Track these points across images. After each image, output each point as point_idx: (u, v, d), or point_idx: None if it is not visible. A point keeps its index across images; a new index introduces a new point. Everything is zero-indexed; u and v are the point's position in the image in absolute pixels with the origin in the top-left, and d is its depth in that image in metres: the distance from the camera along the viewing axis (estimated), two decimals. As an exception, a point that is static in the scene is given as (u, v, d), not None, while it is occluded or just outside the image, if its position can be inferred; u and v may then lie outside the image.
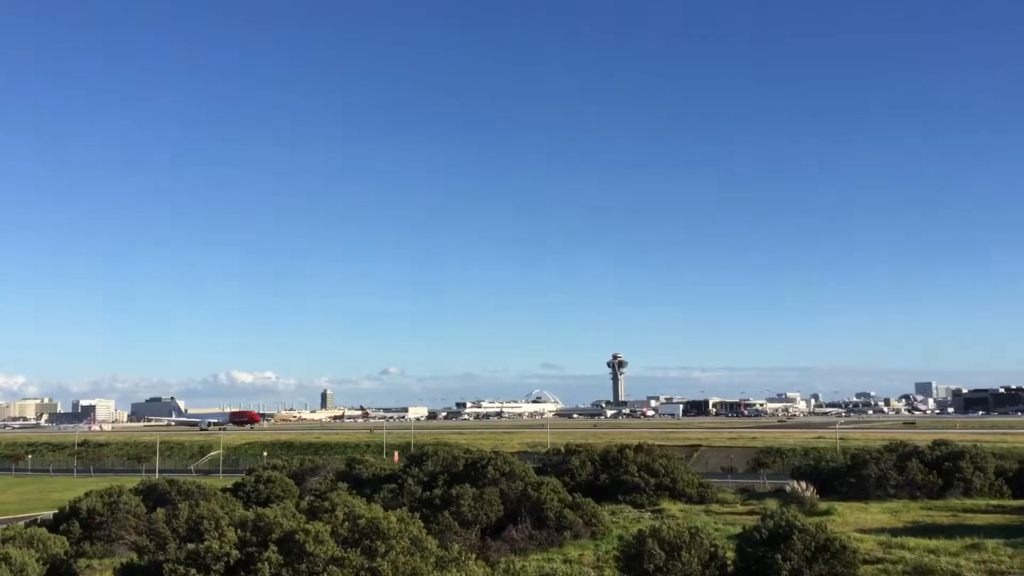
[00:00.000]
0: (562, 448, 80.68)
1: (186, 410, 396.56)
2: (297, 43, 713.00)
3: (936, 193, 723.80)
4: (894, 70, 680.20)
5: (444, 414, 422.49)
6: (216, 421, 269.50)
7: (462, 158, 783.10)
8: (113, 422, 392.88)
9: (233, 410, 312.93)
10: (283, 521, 27.67)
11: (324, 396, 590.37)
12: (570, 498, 48.95)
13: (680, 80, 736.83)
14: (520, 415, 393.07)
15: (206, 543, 26.65)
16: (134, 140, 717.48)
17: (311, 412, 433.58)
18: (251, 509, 32.96)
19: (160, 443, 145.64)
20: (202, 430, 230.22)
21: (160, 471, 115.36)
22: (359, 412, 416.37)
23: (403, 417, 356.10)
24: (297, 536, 26.49)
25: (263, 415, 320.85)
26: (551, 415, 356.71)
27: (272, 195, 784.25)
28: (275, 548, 26.34)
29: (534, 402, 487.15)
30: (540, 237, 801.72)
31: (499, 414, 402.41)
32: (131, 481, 63.90)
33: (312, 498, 40.60)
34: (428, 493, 50.22)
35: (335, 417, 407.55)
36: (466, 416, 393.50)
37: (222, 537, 27.01)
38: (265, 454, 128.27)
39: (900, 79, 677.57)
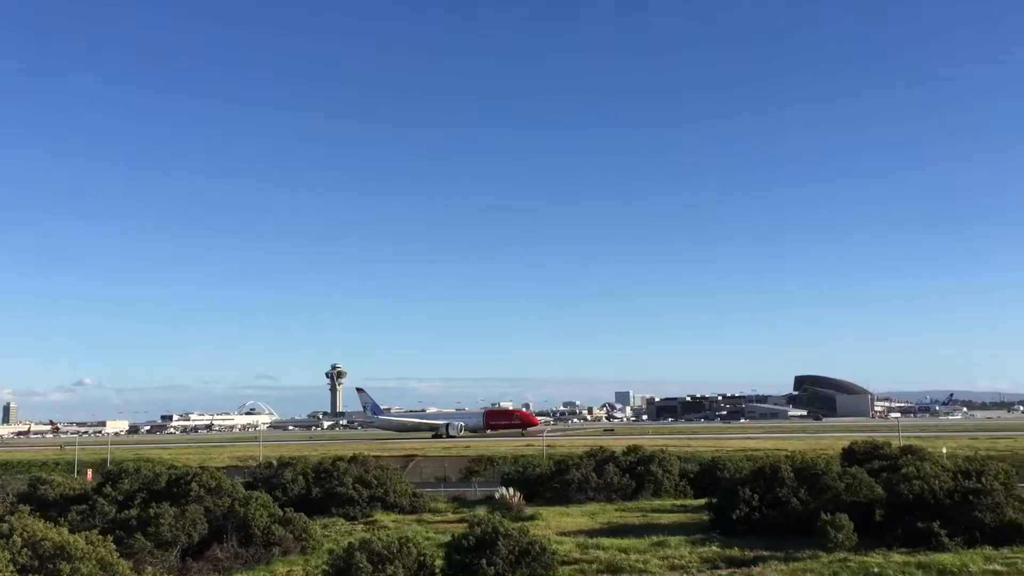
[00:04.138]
0: (274, 462, 78.17)
1: None
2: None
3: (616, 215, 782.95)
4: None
5: (147, 428, 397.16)
6: None
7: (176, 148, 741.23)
8: None
9: None
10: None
11: (7, 409, 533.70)
12: (281, 513, 47.44)
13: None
14: (232, 428, 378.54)
15: None
16: None
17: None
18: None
19: None
20: None
21: None
22: (48, 427, 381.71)
23: (100, 432, 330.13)
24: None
25: None
26: (265, 427, 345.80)
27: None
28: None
29: (247, 414, 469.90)
30: (252, 242, 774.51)
31: (209, 427, 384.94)
32: None
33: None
34: (124, 513, 46.64)
35: (19, 433, 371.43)
36: (172, 430, 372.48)
37: None
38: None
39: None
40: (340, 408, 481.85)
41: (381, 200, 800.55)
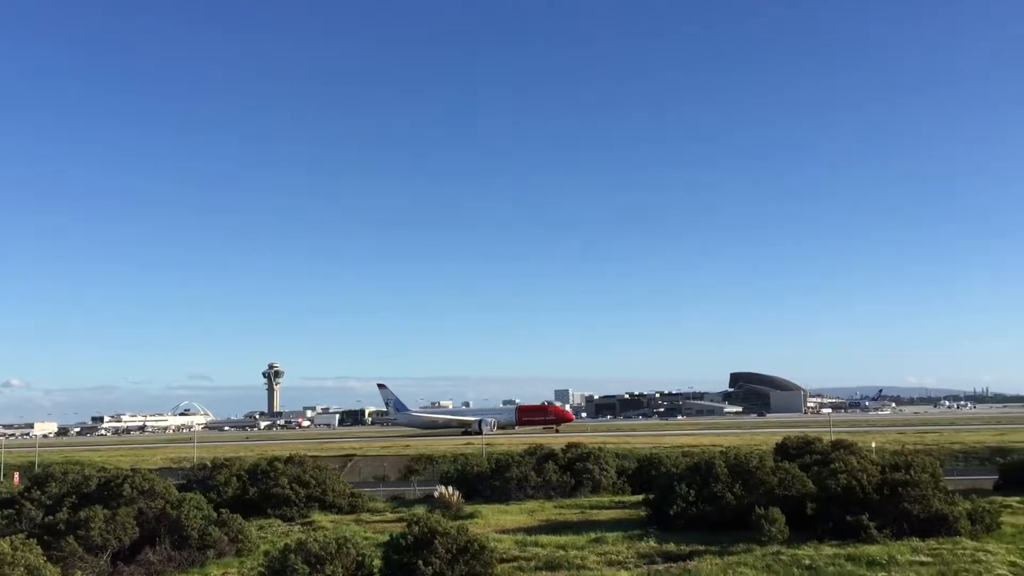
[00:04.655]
0: (209, 463, 76.93)
1: None
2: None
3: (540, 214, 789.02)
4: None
5: (77, 430, 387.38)
6: None
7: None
8: None
9: None
10: None
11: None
12: (215, 515, 46.66)
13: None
14: (166, 429, 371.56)
15: None
16: None
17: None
18: None
19: None
20: None
21: None
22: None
23: (28, 434, 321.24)
24: None
25: None
26: (200, 428, 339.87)
27: None
28: None
29: (182, 415, 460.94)
30: (185, 240, 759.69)
31: (142, 428, 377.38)
32: None
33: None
34: (52, 517, 45.40)
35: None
36: (104, 431, 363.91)
37: None
38: None
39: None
40: (278, 408, 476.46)
41: (314, 197, 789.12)
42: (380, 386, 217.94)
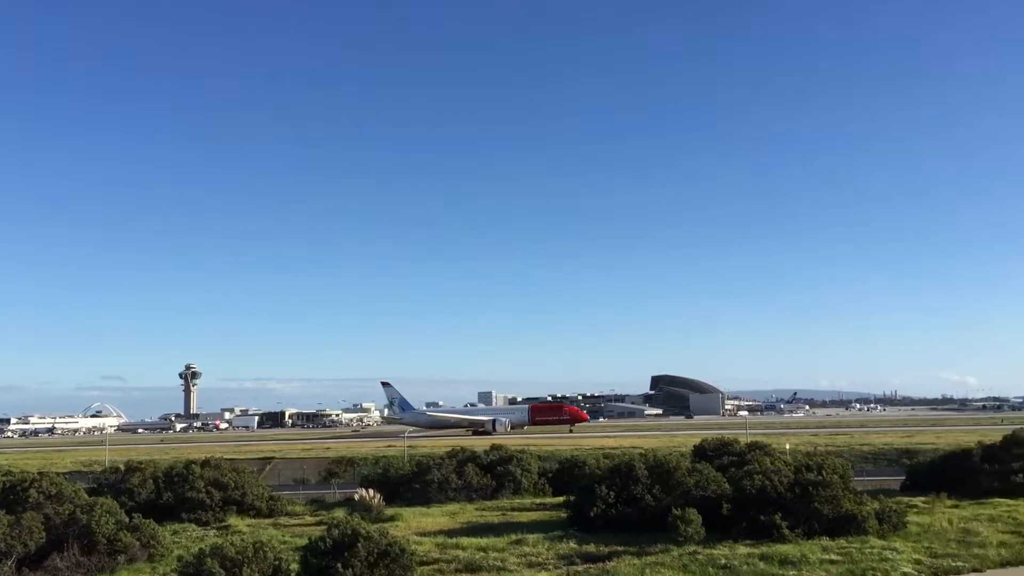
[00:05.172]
0: (122, 466, 74.83)
1: None
2: None
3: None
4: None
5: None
6: None
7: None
8: None
9: None
10: None
11: None
12: (128, 520, 45.48)
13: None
14: (76, 431, 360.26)
15: None
16: None
17: None
18: None
19: None
20: None
21: None
22: None
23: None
24: None
25: None
26: (113, 430, 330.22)
27: None
28: None
29: (93, 416, 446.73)
30: (98, 238, 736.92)
31: (51, 430, 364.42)
32: None
33: None
34: (-48, 524, 43.66)
35: None
36: (9, 433, 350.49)
37: None
38: None
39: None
40: (195, 410, 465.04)
41: (237, 197, 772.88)
42: (384, 384, 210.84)
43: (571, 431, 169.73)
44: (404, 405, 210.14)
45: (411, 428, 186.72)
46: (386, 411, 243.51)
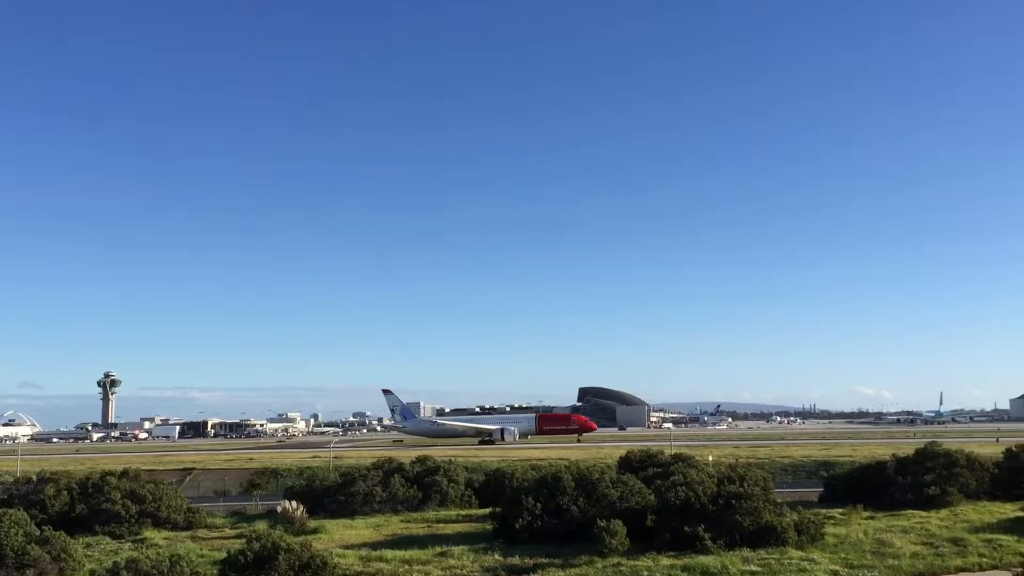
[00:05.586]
0: (34, 477, 72.22)
1: None
2: None
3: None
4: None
5: None
6: None
7: None
8: None
9: None
10: None
11: None
12: (38, 532, 43.96)
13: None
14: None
15: None
16: None
17: None
18: None
19: None
20: None
21: None
22: None
23: None
24: None
25: None
26: (26, 440, 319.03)
27: None
28: None
29: (6, 425, 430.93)
30: (10, 242, 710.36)
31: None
32: None
33: None
34: None
35: None
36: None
37: None
38: None
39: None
40: (113, 419, 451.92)
41: (156, 204, 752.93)
42: (385, 392, 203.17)
43: (579, 440, 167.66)
44: (406, 413, 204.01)
45: (412, 438, 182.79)
46: (385, 420, 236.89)
